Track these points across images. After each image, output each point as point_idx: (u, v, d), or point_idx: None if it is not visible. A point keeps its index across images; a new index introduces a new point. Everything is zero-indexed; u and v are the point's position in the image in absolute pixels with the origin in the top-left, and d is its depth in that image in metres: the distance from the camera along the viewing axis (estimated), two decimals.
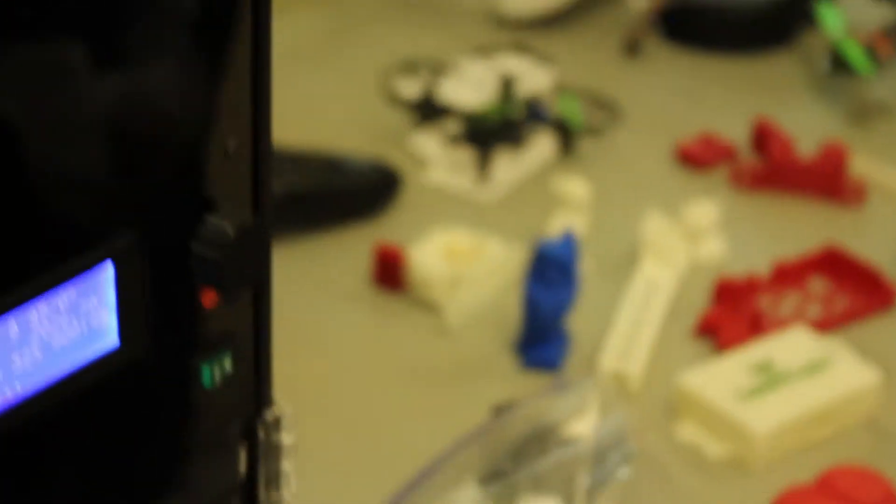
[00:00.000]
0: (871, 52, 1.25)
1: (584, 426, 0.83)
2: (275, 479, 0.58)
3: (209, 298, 0.51)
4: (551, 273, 0.97)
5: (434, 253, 1.06)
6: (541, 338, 0.99)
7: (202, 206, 0.50)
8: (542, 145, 1.21)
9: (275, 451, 0.58)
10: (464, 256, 1.06)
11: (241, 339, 0.55)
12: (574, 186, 1.10)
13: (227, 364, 0.54)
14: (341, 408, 0.96)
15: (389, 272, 1.06)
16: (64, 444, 0.50)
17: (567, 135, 1.21)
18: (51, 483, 0.51)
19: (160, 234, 0.50)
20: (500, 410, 0.87)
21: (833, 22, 1.28)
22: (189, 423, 0.55)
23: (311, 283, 1.07)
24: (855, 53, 1.24)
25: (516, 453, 0.82)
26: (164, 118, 0.48)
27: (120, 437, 0.52)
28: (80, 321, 0.49)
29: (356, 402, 0.97)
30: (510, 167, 1.19)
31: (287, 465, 0.59)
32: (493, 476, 0.80)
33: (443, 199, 1.17)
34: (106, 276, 0.48)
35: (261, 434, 0.57)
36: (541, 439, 0.83)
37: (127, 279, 0.49)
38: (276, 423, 0.58)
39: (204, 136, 0.50)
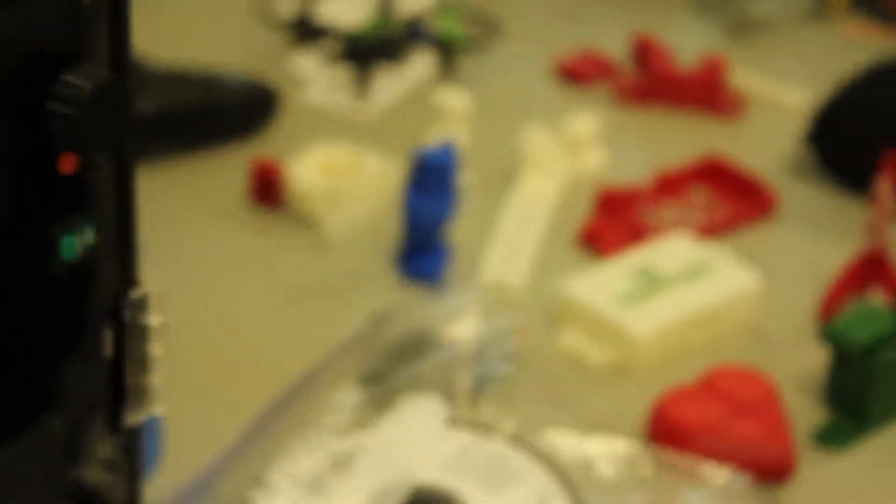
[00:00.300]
0: None
1: (464, 329, 0.83)
2: (142, 363, 0.57)
3: (68, 162, 0.49)
4: (430, 181, 0.96)
5: (312, 168, 1.05)
6: (421, 249, 0.99)
7: (58, 64, 0.48)
8: (422, 63, 1.20)
9: (141, 332, 0.56)
10: (343, 171, 1.05)
11: (103, 210, 0.53)
12: (453, 99, 1.10)
13: (89, 235, 0.52)
14: (220, 323, 0.95)
15: (267, 188, 1.05)
16: None
17: (447, 52, 1.20)
18: None
19: (12, 94, 0.48)
20: (379, 316, 0.86)
21: None
22: (49, 302, 0.53)
23: (186, 202, 1.06)
24: None
25: (396, 356, 0.81)
26: None
27: None
28: None
29: (234, 318, 0.95)
30: (390, 85, 1.18)
31: (155, 348, 0.57)
32: (373, 378, 0.79)
33: (321, 118, 1.16)
34: None
35: (126, 314, 0.56)
36: (421, 342, 0.82)
37: None
38: (143, 303, 0.56)
39: None
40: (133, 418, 0.58)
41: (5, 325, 0.52)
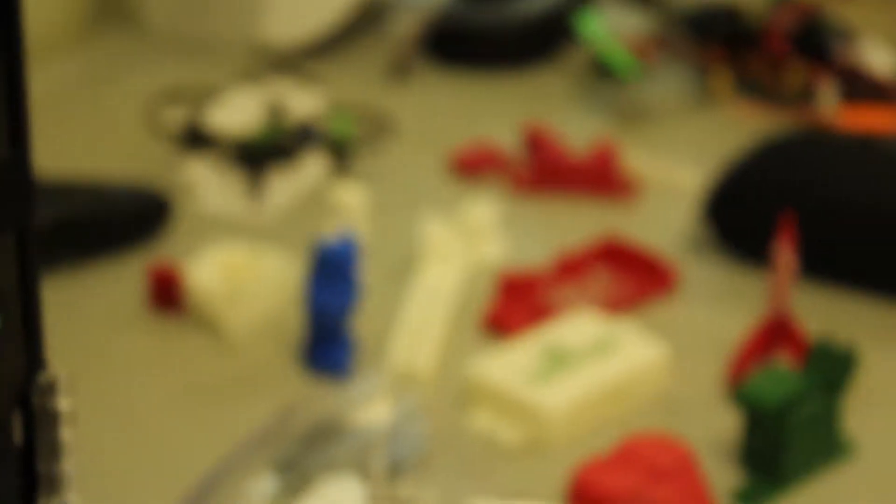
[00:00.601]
0: (636, 57, 1.29)
1: (375, 413, 0.83)
2: (54, 449, 0.56)
3: None
4: (331, 273, 0.97)
5: (210, 270, 1.05)
6: (326, 342, 0.99)
7: None
8: (315, 165, 1.21)
9: (51, 417, 0.56)
10: (241, 271, 1.05)
11: (6, 293, 0.53)
12: (349, 193, 1.11)
13: None
14: (124, 428, 0.94)
15: (165, 293, 1.04)
16: None
17: (340, 152, 1.21)
18: None
19: None
20: (289, 407, 0.86)
21: (594, 30, 1.32)
22: None
23: (83, 314, 1.05)
24: (618, 59, 1.28)
25: (308, 443, 0.81)
26: None
27: None
28: None
29: (140, 422, 0.94)
30: (284, 187, 1.19)
31: (66, 434, 0.56)
32: (287, 465, 0.79)
33: (216, 223, 1.16)
34: None
35: (35, 400, 0.55)
36: (332, 429, 0.82)
37: None
38: (51, 388, 0.55)
39: None
40: None
41: None
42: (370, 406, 0.84)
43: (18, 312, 0.54)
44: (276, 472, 0.78)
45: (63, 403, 0.56)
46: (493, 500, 0.78)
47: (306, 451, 0.80)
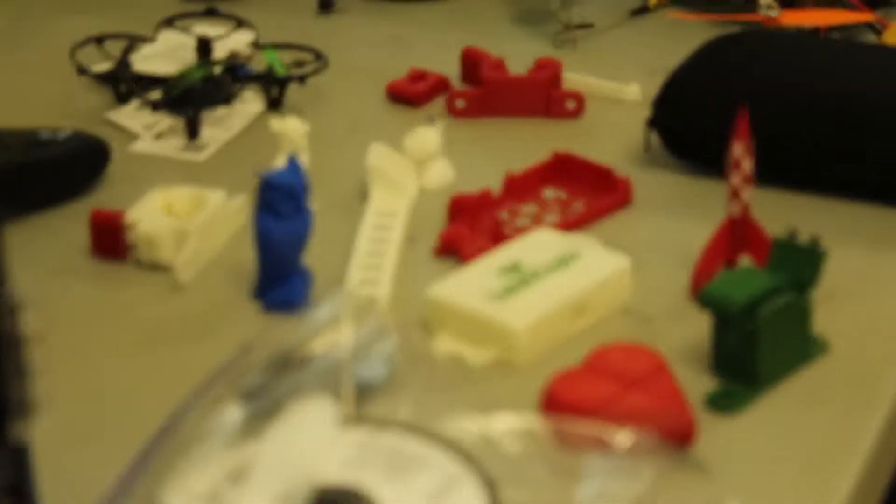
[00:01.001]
0: None
1: (339, 337, 0.81)
2: (20, 371, 0.54)
3: None
4: (280, 202, 0.95)
5: (154, 212, 1.03)
6: (279, 277, 0.97)
7: None
8: (250, 101, 1.20)
9: (14, 340, 0.54)
10: (186, 211, 1.04)
11: None
12: (291, 124, 1.09)
13: None
14: (81, 376, 0.92)
15: (110, 239, 1.02)
16: None
17: (274, 85, 1.19)
18: None
19: None
20: (250, 341, 0.84)
21: None
22: None
23: (25, 265, 1.02)
24: None
25: (274, 371, 0.80)
26: None
27: None
28: None
29: (95, 369, 0.93)
30: (220, 127, 1.17)
31: (33, 356, 0.55)
32: (254, 393, 0.77)
33: (156, 166, 1.14)
34: None
35: None
36: (296, 356, 0.81)
37: None
38: (13, 311, 0.54)
39: None
40: (18, 432, 0.55)
41: None
42: (332, 331, 0.83)
43: None
44: (243, 401, 0.77)
45: (27, 326, 0.55)
46: (464, 416, 0.77)
47: (272, 380, 0.78)
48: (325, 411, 0.73)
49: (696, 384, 0.88)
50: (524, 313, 0.91)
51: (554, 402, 0.83)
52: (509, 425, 0.76)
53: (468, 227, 1.02)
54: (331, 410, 0.73)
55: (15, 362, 0.54)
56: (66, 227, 1.07)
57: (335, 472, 0.71)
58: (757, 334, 0.88)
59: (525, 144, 1.14)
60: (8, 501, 0.55)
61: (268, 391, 0.78)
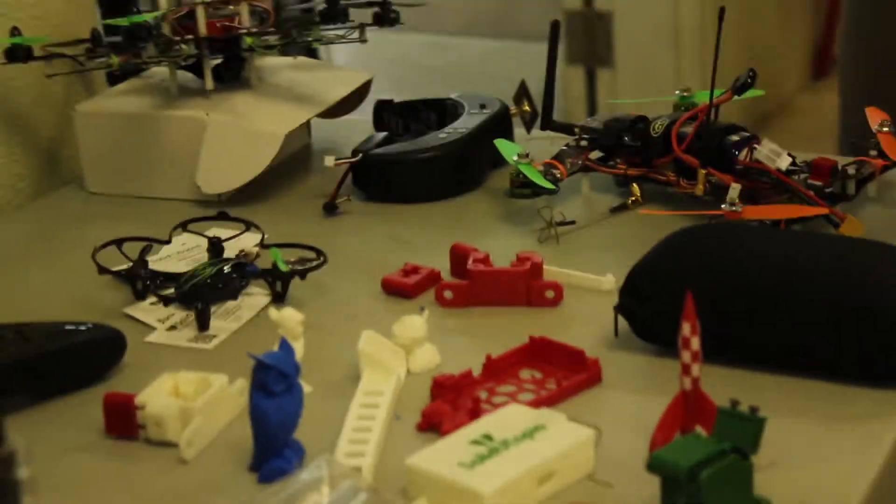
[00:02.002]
0: (548, 172, 1.41)
1: (318, 496, 0.89)
2: None
3: None
4: (273, 382, 1.04)
5: (162, 394, 1.13)
6: (273, 450, 1.05)
7: None
8: (256, 294, 1.30)
9: (12, 487, 0.63)
10: (191, 393, 1.13)
11: None
12: (287, 313, 1.19)
13: None
14: None
15: (121, 419, 1.12)
16: None
17: (278, 280, 1.30)
18: None
19: None
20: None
21: (509, 151, 1.43)
22: None
23: (44, 444, 1.11)
24: (532, 174, 1.39)
25: None
26: None
27: None
28: None
29: None
30: (228, 318, 1.28)
31: (28, 501, 0.64)
32: None
33: (168, 355, 1.25)
34: None
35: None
36: None
37: None
38: (11, 459, 0.63)
39: None
40: None
41: None
42: (314, 492, 0.91)
43: None
44: None
45: (22, 472, 0.64)
46: None
47: None
48: None
49: None
50: (492, 479, 0.99)
51: None
52: None
53: (449, 405, 1.12)
54: None
55: None
56: (85, 409, 1.16)
57: None
58: (701, 495, 0.94)
59: (507, 330, 1.24)
60: None
61: None
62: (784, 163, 1.40)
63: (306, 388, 1.09)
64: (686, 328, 1.02)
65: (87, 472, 1.10)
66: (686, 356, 1.03)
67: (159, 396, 1.13)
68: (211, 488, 1.06)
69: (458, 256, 1.32)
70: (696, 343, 1.03)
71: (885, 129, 1.45)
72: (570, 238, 1.41)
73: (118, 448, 1.12)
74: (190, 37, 1.53)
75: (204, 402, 1.12)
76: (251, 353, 1.06)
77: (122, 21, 1.52)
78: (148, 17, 1.53)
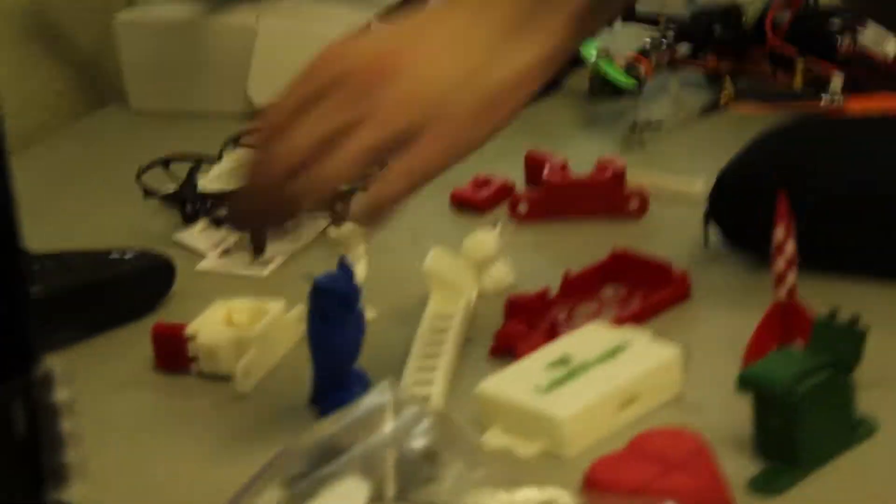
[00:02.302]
0: (631, 70, 1.41)
1: (383, 423, 0.91)
2: (56, 441, 0.67)
3: None
4: (332, 308, 1.06)
5: (214, 323, 1.16)
6: (335, 382, 1.07)
7: None
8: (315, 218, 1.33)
9: (51, 410, 0.66)
10: (246, 321, 1.16)
11: None
12: (348, 231, 1.21)
13: None
14: (144, 488, 1.03)
15: (171, 352, 1.15)
16: None
17: (339, 198, 1.32)
18: None
19: None
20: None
21: (588, 47, 1.44)
22: None
23: (92, 380, 1.15)
24: (614, 71, 1.40)
25: (318, 458, 0.89)
26: None
27: None
28: None
29: (157, 483, 1.04)
30: (285, 240, 1.30)
31: (68, 425, 0.67)
32: (297, 478, 0.87)
33: (221, 282, 1.28)
34: None
35: (34, 392, 0.66)
36: (340, 442, 0.90)
37: None
38: (48, 380, 0.66)
39: None
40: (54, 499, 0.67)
41: None
42: (379, 417, 0.92)
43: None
44: (286, 485, 0.88)
45: (61, 395, 0.67)
46: (499, 489, 0.86)
47: (315, 465, 0.88)
48: (358, 492, 0.84)
49: (740, 468, 0.96)
50: (569, 404, 1.02)
51: (593, 484, 0.92)
52: (547, 496, 0.86)
53: (524, 326, 1.14)
54: (363, 491, 0.84)
55: (51, 432, 0.66)
56: (134, 342, 1.19)
57: None
58: (797, 413, 0.96)
59: (587, 245, 1.26)
60: None
61: (309, 476, 0.88)
62: (892, 48, 1.39)
63: (369, 312, 1.11)
64: (780, 232, 1.04)
65: (137, 409, 1.13)
66: (780, 263, 1.05)
67: (211, 326, 1.15)
68: (269, 423, 1.09)
69: (533, 165, 1.34)
70: (791, 248, 1.04)
71: None
72: (657, 142, 1.42)
73: (169, 382, 1.15)
74: None
75: (259, 330, 1.15)
76: (308, 275, 1.07)
77: None
78: None
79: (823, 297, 1.06)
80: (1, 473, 0.66)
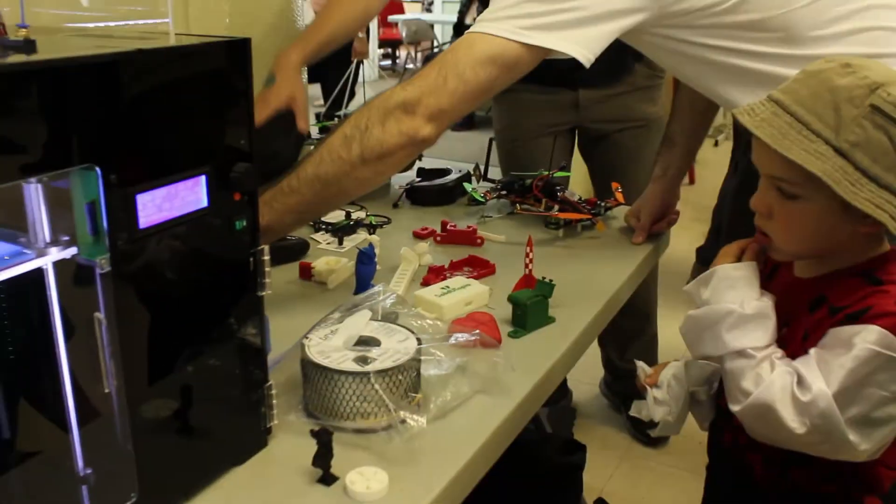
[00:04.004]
0: None
1: (377, 297, 0.94)
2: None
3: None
4: (365, 260, 1.08)
5: (321, 263, 1.15)
6: (363, 287, 1.08)
7: None
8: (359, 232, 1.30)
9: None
10: (333, 263, 1.16)
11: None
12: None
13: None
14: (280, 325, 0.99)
15: (305, 271, 1.14)
16: None
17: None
18: None
19: None
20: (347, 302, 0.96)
21: None
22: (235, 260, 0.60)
23: (275, 277, 1.13)
24: None
25: (352, 305, 0.89)
26: None
27: None
28: None
29: (299, 324, 1.01)
30: (348, 238, 1.28)
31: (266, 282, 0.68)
32: (344, 312, 0.88)
33: (321, 252, 1.24)
34: None
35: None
36: (361, 301, 0.91)
37: None
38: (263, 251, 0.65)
39: None
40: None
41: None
42: (375, 297, 0.96)
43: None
44: (341, 313, 0.89)
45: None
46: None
47: (351, 308, 0.91)
48: (366, 315, 0.88)
49: (506, 328, 1.00)
50: (447, 301, 1.03)
51: (452, 329, 0.97)
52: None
53: (433, 276, 1.12)
54: (367, 316, 0.87)
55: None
56: (292, 268, 1.18)
57: (366, 332, 0.84)
58: (527, 310, 1.00)
59: (459, 252, 1.23)
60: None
61: (349, 311, 0.91)
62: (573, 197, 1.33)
63: (378, 266, 1.12)
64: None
65: (288, 291, 1.12)
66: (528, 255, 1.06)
67: (319, 265, 1.15)
68: (337, 299, 1.03)
69: (445, 224, 1.29)
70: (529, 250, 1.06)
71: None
72: None
73: (303, 283, 1.14)
74: None
75: (338, 266, 1.16)
76: (359, 247, 1.10)
77: None
78: None
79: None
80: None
